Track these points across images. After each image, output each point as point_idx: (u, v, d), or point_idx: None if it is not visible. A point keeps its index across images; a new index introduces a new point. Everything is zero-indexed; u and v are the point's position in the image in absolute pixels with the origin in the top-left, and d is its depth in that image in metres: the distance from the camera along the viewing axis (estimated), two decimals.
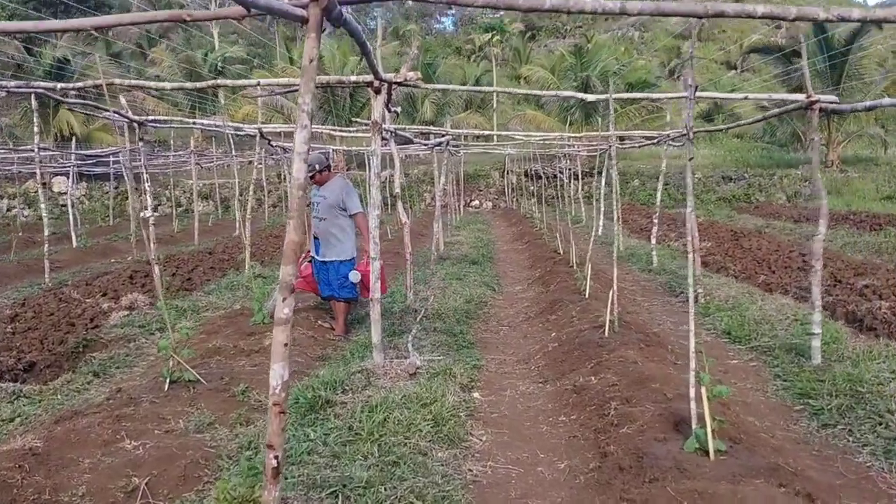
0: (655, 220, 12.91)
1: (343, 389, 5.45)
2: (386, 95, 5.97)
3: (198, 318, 9.13)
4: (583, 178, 27.51)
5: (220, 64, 44.23)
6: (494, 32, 56.26)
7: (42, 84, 6.66)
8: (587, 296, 8.68)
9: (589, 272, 8.82)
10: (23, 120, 31.29)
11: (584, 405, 5.14)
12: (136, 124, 9.08)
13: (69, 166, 21.93)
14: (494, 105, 42.35)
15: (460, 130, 11.94)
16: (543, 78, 36.86)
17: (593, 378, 5.51)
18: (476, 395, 5.72)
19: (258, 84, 5.86)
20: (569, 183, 28.38)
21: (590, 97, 5.83)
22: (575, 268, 11.08)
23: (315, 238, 8.06)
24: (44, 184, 31.81)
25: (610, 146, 8.80)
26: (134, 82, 6.02)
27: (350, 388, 5.46)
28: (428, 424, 4.71)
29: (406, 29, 62.83)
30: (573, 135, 13.94)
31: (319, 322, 8.36)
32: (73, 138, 24.59)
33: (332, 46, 35.35)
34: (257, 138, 11.95)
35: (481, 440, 4.82)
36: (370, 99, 6.21)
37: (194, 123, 10.42)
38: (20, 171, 28.07)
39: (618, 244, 8.25)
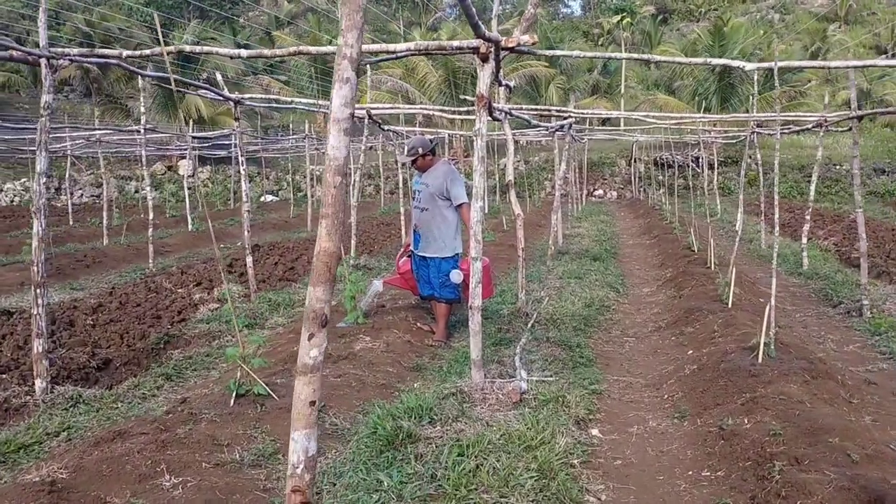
0: (807, 217, 11.33)
1: (431, 419, 4.49)
2: (495, 63, 4.95)
3: (291, 313, 8.42)
4: (718, 168, 25.67)
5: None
6: (624, 14, 54.02)
7: (105, 51, 6.01)
8: (729, 305, 7.40)
9: (733, 277, 7.53)
10: (154, 104, 32.00)
11: (736, 458, 3.98)
12: (231, 102, 8.44)
13: (185, 149, 21.92)
14: (622, 90, 40.47)
15: (584, 111, 10.75)
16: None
17: (746, 420, 4.33)
18: (595, 431, 4.64)
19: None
20: (702, 173, 26.56)
21: (749, 65, 4.61)
22: (713, 269, 9.76)
23: (415, 230, 7.16)
24: (169, 167, 32.56)
25: (772, 132, 7.46)
26: (206, 49, 5.23)
27: (439, 419, 4.50)
28: (532, 477, 3.68)
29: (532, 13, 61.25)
30: (713, 117, 12.43)
31: (418, 324, 7.47)
32: (193, 123, 24.74)
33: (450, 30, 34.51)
34: (365, 121, 11.17)
35: (600, 500, 3.76)
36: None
37: (292, 103, 9.71)
38: (149, 154, 28.80)
39: (760, 242, 6.96)
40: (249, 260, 8.63)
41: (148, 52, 5.58)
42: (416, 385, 5.76)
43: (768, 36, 44.79)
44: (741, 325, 6.53)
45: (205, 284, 9.30)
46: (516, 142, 29.29)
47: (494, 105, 7.83)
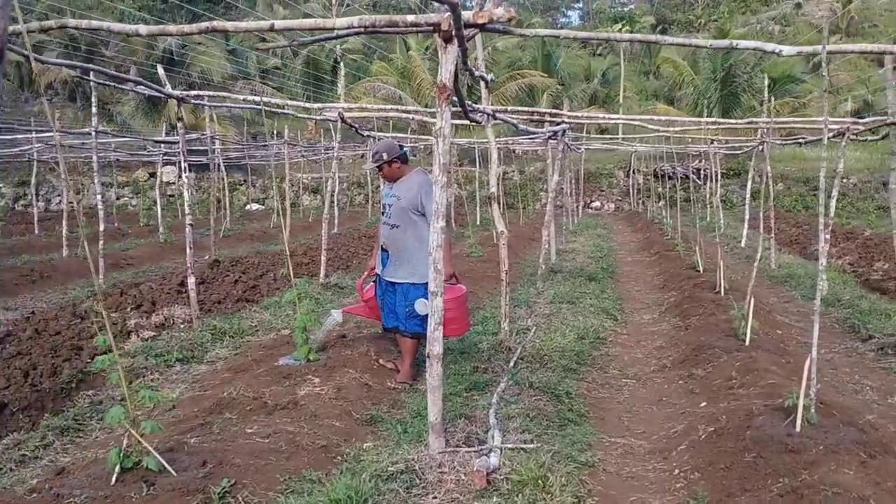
0: (826, 236, 10.18)
1: None
2: (459, 46, 3.86)
3: (237, 343, 7.29)
4: (719, 181, 24.59)
5: (337, 54, 43.29)
6: (624, 23, 53.07)
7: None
8: (747, 342, 6.29)
9: (751, 310, 6.40)
10: (138, 110, 30.96)
11: None
12: (174, 100, 7.35)
13: (163, 155, 20.83)
14: (621, 100, 39.44)
15: (579, 114, 9.69)
16: (679, 68, 33.64)
17: None
18: None
19: (272, 27, 3.85)
20: (703, 185, 25.47)
21: (787, 49, 3.54)
22: (723, 294, 8.65)
23: (383, 250, 6.05)
24: (152, 173, 31.43)
25: (785, 141, 6.38)
26: (94, 24, 4.14)
27: None
28: None
29: (530, 22, 60.38)
30: (726, 122, 11.29)
31: (381, 361, 6.34)
32: (173, 128, 23.62)
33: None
34: (338, 125, 10.06)
35: None
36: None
37: (244, 100, 8.61)
38: (131, 160, 27.66)
39: (769, 261, 5.85)
40: (191, 281, 7.51)
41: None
42: (365, 446, 4.64)
43: None
44: (764, 371, 5.41)
45: (145, 307, 8.18)
46: (512, 151, 28.28)
47: (475, 106, 6.74)
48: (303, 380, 5.75)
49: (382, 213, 6.14)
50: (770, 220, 11.09)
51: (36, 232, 18.01)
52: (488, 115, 7.11)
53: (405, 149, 6.11)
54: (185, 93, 7.21)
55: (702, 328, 7.34)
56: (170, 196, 29.55)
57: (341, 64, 10.73)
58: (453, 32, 3.72)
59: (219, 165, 20.00)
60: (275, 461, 4.19)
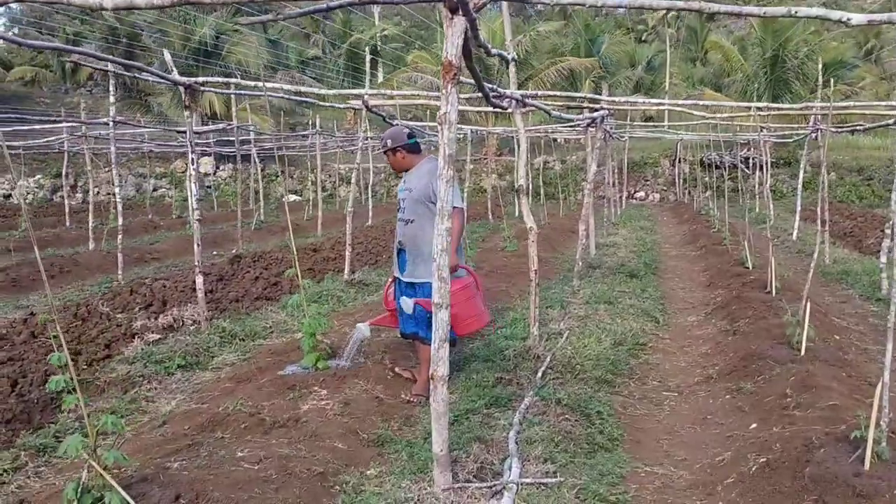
0: (887, 230, 9.42)
1: None
2: (466, 17, 3.29)
3: (246, 348, 6.82)
4: (768, 170, 23.59)
5: (378, 42, 42.81)
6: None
7: None
8: (802, 352, 5.63)
9: (807, 316, 5.73)
10: (174, 101, 30.78)
11: None
12: (182, 87, 6.89)
13: (200, 147, 20.51)
14: (667, 87, 38.35)
15: (618, 98, 9.01)
16: (728, 53, 32.47)
17: None
18: None
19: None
20: (752, 174, 24.47)
21: (857, 17, 2.91)
22: (774, 294, 7.96)
23: (399, 249, 5.49)
24: (188, 167, 31.31)
25: (844, 128, 5.69)
26: None
27: None
28: None
29: (574, 8, 59.21)
30: (782, 107, 10.49)
31: (396, 369, 5.82)
32: (208, 118, 23.42)
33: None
34: (363, 114, 9.54)
35: None
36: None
37: (255, 87, 8.12)
38: (169, 151, 27.47)
39: (823, 256, 5.17)
40: (199, 281, 7.05)
41: None
42: (368, 473, 4.12)
43: (818, 34, 42.20)
44: (823, 389, 4.75)
45: (155, 307, 7.74)
46: (553, 140, 27.49)
47: (501, 90, 6.15)
48: (308, 391, 5.25)
49: (398, 210, 5.61)
50: (824, 212, 10.28)
51: (67, 224, 17.84)
52: (516, 100, 6.51)
53: (415, 139, 5.54)
54: (189, 79, 6.72)
55: (751, 334, 6.67)
56: (207, 187, 29.41)
57: (375, 45, 10.19)
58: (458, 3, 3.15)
59: (252, 157, 19.69)
60: (260, 494, 3.68)
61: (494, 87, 5.78)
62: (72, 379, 3.45)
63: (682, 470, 4.18)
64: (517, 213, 20.40)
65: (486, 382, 5.47)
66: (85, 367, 6.01)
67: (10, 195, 26.52)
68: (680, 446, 4.58)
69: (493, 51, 4.45)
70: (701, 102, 10.02)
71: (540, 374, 5.57)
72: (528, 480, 3.64)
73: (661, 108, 9.90)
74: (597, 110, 9.01)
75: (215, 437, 4.50)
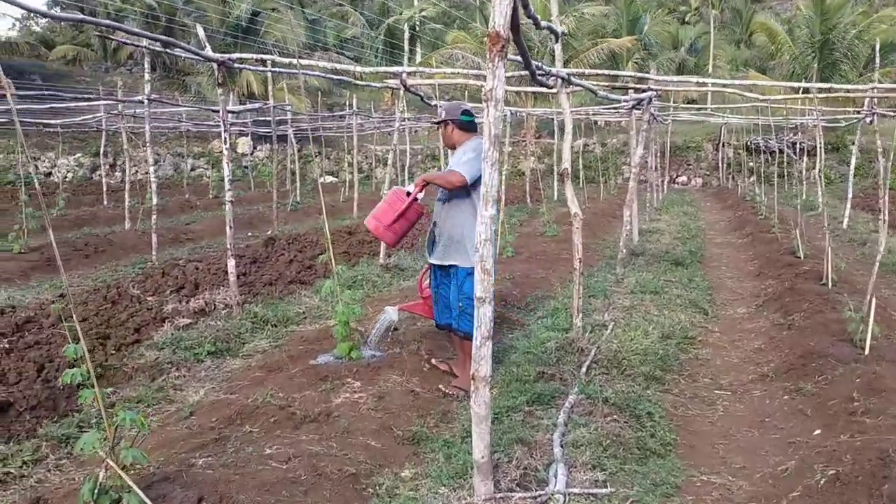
0: None
1: None
2: None
3: (279, 334, 6.60)
4: (822, 155, 22.86)
5: (416, 23, 42.33)
6: None
7: None
8: (866, 351, 5.26)
9: (872, 311, 5.36)
10: (210, 80, 30.75)
11: None
12: (215, 65, 6.65)
13: (235, 126, 20.39)
14: (710, 69, 37.48)
15: (669, 78, 8.61)
16: (775, 34, 31.52)
17: None
18: None
19: None
20: (799, 160, 23.76)
21: None
22: (830, 287, 7.56)
23: (432, 231, 5.21)
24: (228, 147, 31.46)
25: None
26: None
27: None
28: None
29: None
30: (846, 88, 9.94)
31: (433, 361, 5.56)
32: (246, 98, 23.29)
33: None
34: (401, 93, 9.26)
35: None
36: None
37: (289, 64, 7.85)
38: (206, 131, 27.40)
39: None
40: (231, 264, 6.85)
41: None
42: (403, 475, 3.87)
43: (866, 15, 40.85)
44: (895, 393, 4.40)
45: (186, 290, 7.56)
46: (593, 122, 26.93)
47: (547, 69, 5.82)
48: (341, 383, 5.02)
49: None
50: (884, 201, 9.76)
51: (105, 203, 17.84)
52: (562, 79, 6.17)
53: (471, 117, 5.23)
54: (223, 56, 6.48)
55: (808, 329, 6.30)
56: (244, 167, 29.37)
57: (413, 25, 9.87)
58: None
59: (289, 137, 19.51)
60: (288, 498, 3.44)
61: (540, 64, 5.45)
62: (89, 372, 3.22)
63: (741, 480, 3.86)
64: (555, 197, 20.03)
65: (528, 377, 5.19)
66: (113, 351, 5.83)
67: (50, 173, 26.69)
68: (737, 452, 4.26)
69: (543, 23, 4.14)
70: (757, 83, 9.52)
71: (584, 369, 5.27)
72: (576, 490, 3.36)
73: (713, 89, 9.44)
74: (643, 91, 8.63)
75: (243, 432, 4.28)
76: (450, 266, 5.05)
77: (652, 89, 8.59)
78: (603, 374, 5.31)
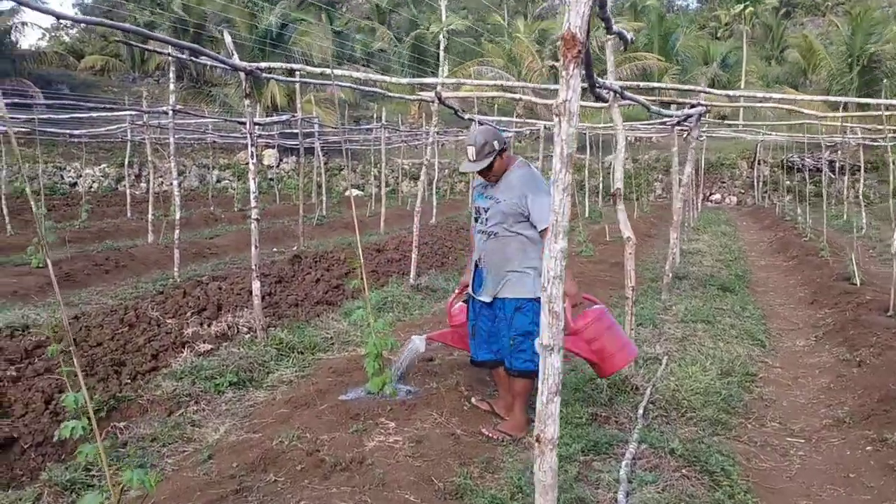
0: None
1: None
2: None
3: (305, 362, 6.15)
4: (855, 174, 22.20)
5: (445, 36, 42.09)
6: (747, 4, 49.90)
7: None
8: None
9: None
10: (238, 91, 30.60)
11: None
12: (242, 73, 6.26)
13: (262, 139, 20.08)
14: (742, 85, 36.83)
15: (733, 93, 8.09)
16: (813, 48, 30.84)
17: None
18: None
19: None
20: (837, 179, 23.12)
21: None
22: None
23: (477, 266, 4.72)
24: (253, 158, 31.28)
25: None
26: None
27: None
28: None
29: (644, 4, 57.36)
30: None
31: (473, 400, 5.06)
32: (272, 110, 23.03)
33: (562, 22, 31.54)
34: (434, 106, 8.82)
35: None
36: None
37: (321, 74, 7.45)
38: (232, 143, 27.15)
39: None
40: (256, 287, 6.42)
41: None
42: None
43: None
44: None
45: (209, 312, 7.13)
46: (625, 137, 26.35)
47: (599, 80, 5.34)
48: (374, 423, 4.56)
49: (475, 219, 4.80)
50: None
51: (128, 215, 17.57)
52: (615, 92, 5.71)
53: (506, 142, 4.69)
54: (251, 65, 6.09)
55: (882, 368, 5.75)
56: (269, 180, 29.11)
57: (443, 35, 9.43)
58: None
59: (316, 150, 19.20)
60: None
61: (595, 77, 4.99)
62: (90, 426, 2.78)
63: None
64: (587, 214, 19.50)
65: (579, 419, 4.70)
66: (128, 381, 5.40)
67: (76, 183, 26.57)
68: None
69: (615, 28, 3.68)
70: (804, 97, 8.95)
71: (641, 411, 4.77)
72: None
73: (770, 105, 8.93)
74: (693, 106, 8.14)
75: (266, 482, 3.83)
76: (502, 297, 4.58)
77: (702, 104, 8.10)
78: (661, 416, 4.82)
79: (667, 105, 9.72)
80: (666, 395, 5.11)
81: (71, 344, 2.84)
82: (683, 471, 3.91)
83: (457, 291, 5.11)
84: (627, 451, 4.08)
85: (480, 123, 4.62)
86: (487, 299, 4.61)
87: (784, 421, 5.09)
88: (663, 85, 8.04)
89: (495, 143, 4.37)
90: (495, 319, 4.63)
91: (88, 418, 2.81)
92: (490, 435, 4.57)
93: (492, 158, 4.38)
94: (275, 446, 4.19)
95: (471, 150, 4.39)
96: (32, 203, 3.54)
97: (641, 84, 7.71)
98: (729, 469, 3.96)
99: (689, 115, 8.18)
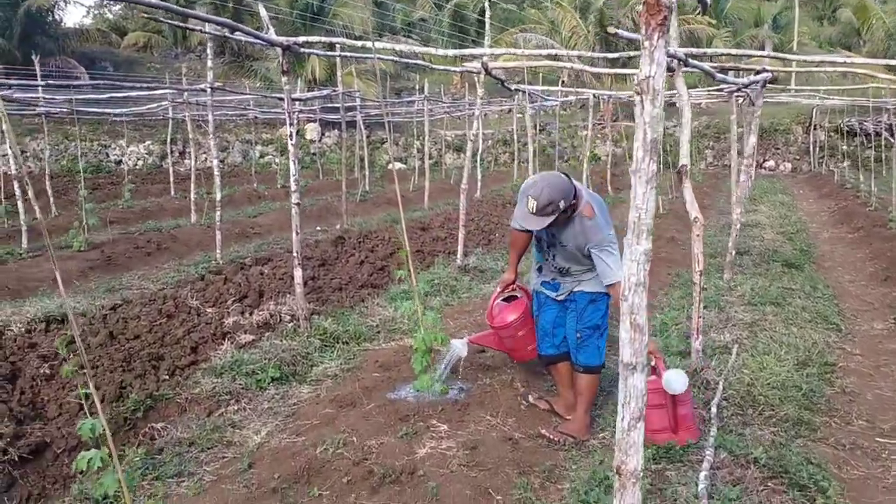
0: None
1: None
2: None
3: (351, 353, 5.84)
4: None
5: (486, 3, 41.31)
6: None
7: None
8: None
9: None
10: (276, 66, 30.26)
11: None
12: (280, 49, 5.91)
13: (303, 113, 19.82)
14: (794, 47, 35.50)
15: (809, 58, 7.52)
16: (866, 7, 29.58)
17: None
18: None
19: None
20: None
21: None
22: None
23: (541, 269, 4.40)
24: (297, 132, 31.07)
25: None
26: None
27: None
28: None
29: None
30: None
31: (530, 398, 4.71)
32: (312, 84, 22.69)
33: None
34: (480, 77, 8.38)
35: None
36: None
37: (362, 48, 7.06)
38: (278, 118, 26.91)
39: None
40: (298, 275, 6.12)
41: None
42: None
43: None
44: None
45: (250, 299, 6.85)
46: (671, 104, 25.55)
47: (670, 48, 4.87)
48: (425, 425, 4.24)
49: (536, 246, 4.44)
50: None
51: (172, 193, 17.45)
52: (679, 59, 5.24)
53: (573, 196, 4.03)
54: (288, 39, 5.74)
55: None
56: (312, 154, 28.87)
57: (482, 6, 8.97)
58: None
59: (358, 123, 18.84)
60: None
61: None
62: (110, 455, 2.49)
63: None
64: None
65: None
66: (166, 376, 5.15)
67: (120, 161, 26.60)
68: None
69: None
70: (870, 61, 8.27)
71: (715, 410, 4.36)
72: None
73: (861, 70, 8.32)
74: (759, 72, 7.59)
75: (310, 496, 3.54)
76: (572, 291, 4.25)
77: (767, 69, 7.55)
78: (737, 415, 4.42)
79: (724, 71, 9.14)
80: (740, 391, 4.69)
81: (85, 364, 2.53)
82: (770, 483, 3.52)
83: (497, 290, 4.76)
84: (705, 460, 3.70)
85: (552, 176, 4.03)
86: (555, 294, 4.30)
87: (871, 418, 4.64)
88: (729, 51, 7.49)
89: (561, 203, 3.90)
90: (563, 311, 4.31)
91: (108, 447, 2.49)
92: (551, 437, 4.22)
93: (553, 218, 3.93)
94: (319, 454, 3.90)
95: (532, 203, 3.91)
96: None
97: (708, 51, 7.17)
98: (823, 484, 3.54)
99: (755, 82, 7.63)
